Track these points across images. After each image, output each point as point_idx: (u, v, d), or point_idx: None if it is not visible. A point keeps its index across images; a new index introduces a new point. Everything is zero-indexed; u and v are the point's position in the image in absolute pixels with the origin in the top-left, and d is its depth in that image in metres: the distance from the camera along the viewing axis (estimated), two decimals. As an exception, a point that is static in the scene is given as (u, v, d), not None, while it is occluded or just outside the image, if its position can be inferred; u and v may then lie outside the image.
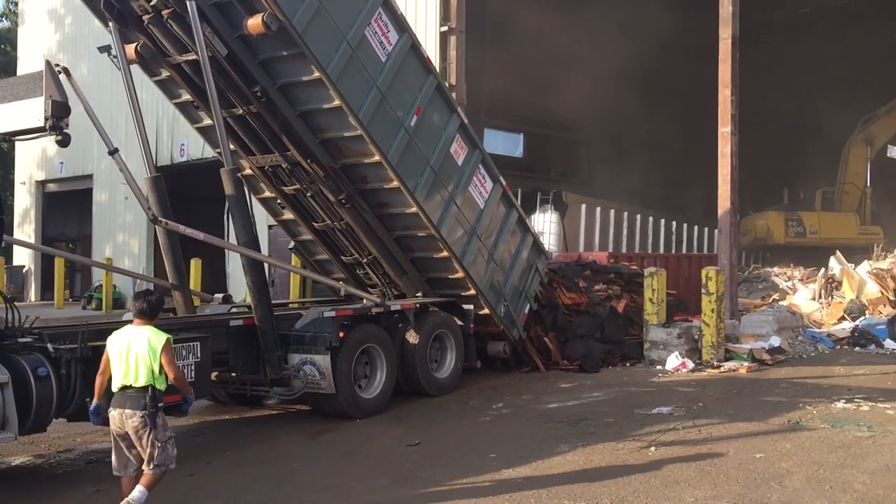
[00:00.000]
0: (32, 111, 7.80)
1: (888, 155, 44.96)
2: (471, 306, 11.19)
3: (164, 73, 9.94)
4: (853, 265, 17.96)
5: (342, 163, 9.98)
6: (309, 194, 10.40)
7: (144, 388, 5.65)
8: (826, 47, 31.00)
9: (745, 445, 7.67)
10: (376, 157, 9.74)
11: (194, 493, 6.65)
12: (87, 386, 6.68)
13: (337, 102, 9.28)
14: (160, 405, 5.72)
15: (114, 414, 5.71)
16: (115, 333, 5.96)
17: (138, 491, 5.67)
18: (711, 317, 12.58)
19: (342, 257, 11.28)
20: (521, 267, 12.09)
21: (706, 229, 30.71)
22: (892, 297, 15.94)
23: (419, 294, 10.97)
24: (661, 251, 26.33)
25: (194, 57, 8.84)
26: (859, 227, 32.12)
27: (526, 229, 12.39)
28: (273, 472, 7.18)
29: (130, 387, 5.68)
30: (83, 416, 6.82)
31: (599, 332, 13.19)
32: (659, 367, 12.40)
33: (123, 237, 26.24)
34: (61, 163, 28.01)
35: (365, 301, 9.95)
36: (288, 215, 11.41)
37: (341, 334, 9.09)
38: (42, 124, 7.77)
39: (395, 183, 9.98)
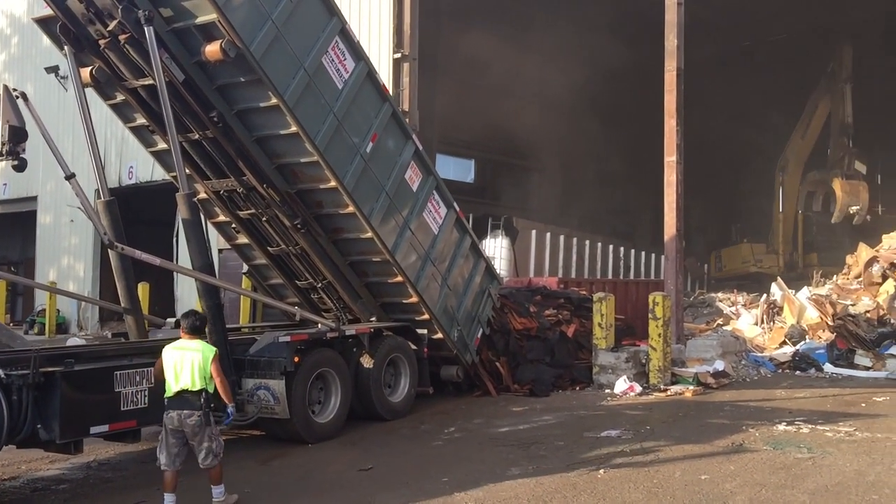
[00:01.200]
0: None
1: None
2: (424, 331, 11.30)
3: (119, 97, 9.94)
4: (794, 291, 18.49)
5: (298, 188, 10.06)
6: (264, 219, 10.45)
7: (199, 392, 6.55)
8: (764, 77, 32.14)
9: (690, 467, 7.86)
10: (332, 183, 9.84)
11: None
12: (39, 412, 6.88)
13: (294, 129, 9.37)
14: (212, 405, 6.64)
15: (172, 415, 6.56)
16: (168, 346, 6.78)
17: (216, 490, 6.70)
18: (658, 341, 12.86)
19: (297, 282, 11.29)
20: (475, 292, 12.25)
21: (653, 255, 31.35)
22: (831, 323, 16.44)
23: (374, 319, 11.02)
24: (610, 276, 26.79)
25: (151, 82, 8.84)
26: (755, 257, 33.39)
27: (479, 255, 12.57)
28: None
29: (187, 391, 6.53)
30: (35, 443, 7.05)
31: (549, 357, 13.43)
32: (608, 390, 12.62)
33: (69, 260, 25.71)
34: (4, 184, 27.36)
35: (320, 326, 9.95)
36: (242, 240, 11.41)
37: (296, 359, 9.09)
38: None
39: (351, 208, 10.08)
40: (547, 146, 29.19)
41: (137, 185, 23.23)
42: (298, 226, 10.17)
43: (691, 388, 12.67)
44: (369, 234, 10.34)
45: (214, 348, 6.84)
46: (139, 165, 22.77)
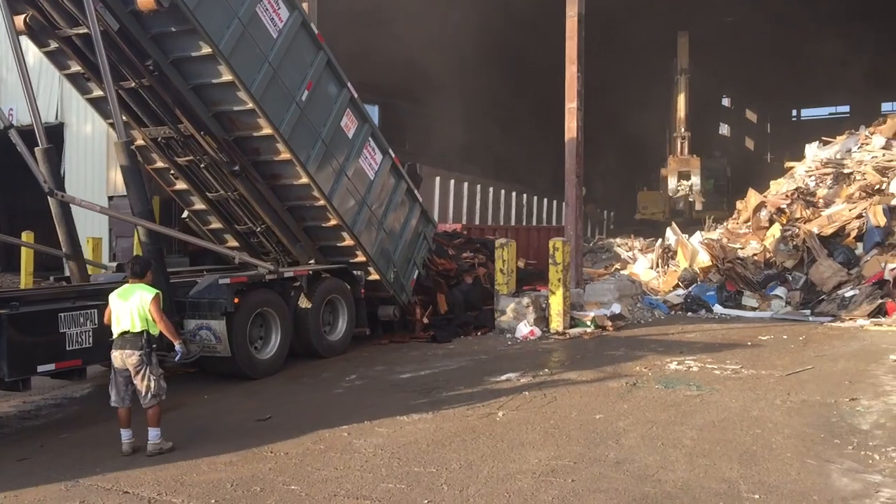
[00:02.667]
0: None
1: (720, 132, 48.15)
2: (362, 272, 11.75)
3: (53, 45, 9.90)
4: (687, 235, 19.10)
5: (235, 135, 10.17)
6: (202, 165, 10.59)
7: (140, 333, 6.79)
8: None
9: (586, 407, 8.06)
10: (268, 131, 9.99)
11: (24, 479, 6.27)
12: None
13: (229, 77, 9.49)
14: (154, 346, 6.88)
15: (115, 354, 6.85)
16: (114, 291, 7.02)
17: (152, 433, 6.81)
18: (558, 286, 13.09)
19: (236, 226, 11.56)
20: (410, 235, 12.65)
21: (554, 202, 31.85)
22: (721, 266, 17.10)
23: (312, 261, 11.38)
24: (512, 223, 27.08)
25: (85, 31, 8.88)
26: (643, 204, 34.69)
27: (414, 199, 12.86)
28: (110, 453, 6.84)
29: (128, 332, 6.81)
30: None
31: (463, 302, 13.65)
32: (509, 335, 12.80)
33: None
34: None
35: (259, 269, 10.25)
36: (181, 185, 11.48)
37: (236, 300, 9.49)
38: None
39: (287, 155, 10.26)
40: (450, 94, 29.01)
41: (19, 128, 21.83)
42: (236, 172, 10.36)
43: (589, 331, 13.00)
44: (306, 181, 10.52)
45: (155, 290, 6.97)
46: (20, 109, 21.39)
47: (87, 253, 16.41)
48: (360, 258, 11.59)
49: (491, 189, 27.31)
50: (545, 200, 31.89)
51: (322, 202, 10.81)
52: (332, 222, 11.11)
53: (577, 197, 14.92)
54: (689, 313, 15.54)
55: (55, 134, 19.22)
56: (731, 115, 54.87)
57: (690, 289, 16.59)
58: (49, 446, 7.21)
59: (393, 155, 12.10)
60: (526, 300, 13.22)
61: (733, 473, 6.05)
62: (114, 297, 6.98)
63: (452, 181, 25.24)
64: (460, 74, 27.53)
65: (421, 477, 6.12)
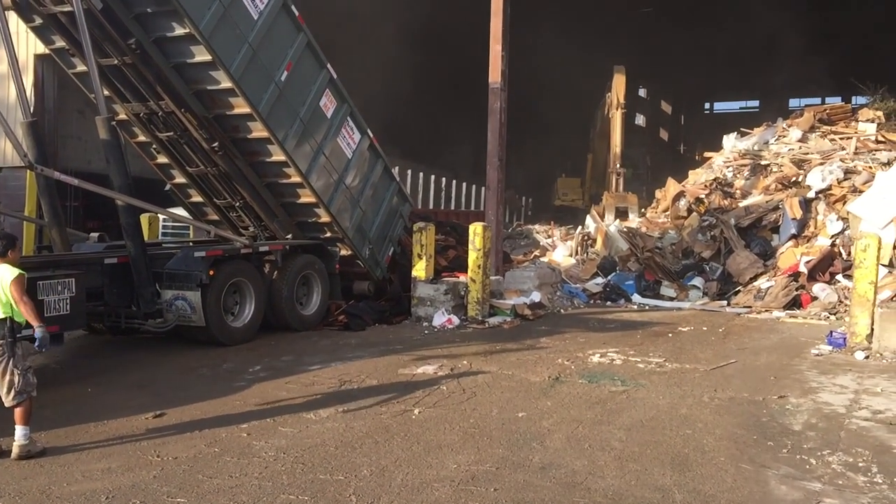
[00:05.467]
0: None
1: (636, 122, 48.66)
2: (337, 248, 12.09)
3: (39, 21, 10.02)
4: (607, 223, 18.93)
5: (215, 113, 10.41)
6: (183, 141, 10.82)
7: (3, 320, 5.98)
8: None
9: (508, 404, 7.55)
10: (247, 110, 10.22)
11: None
12: None
13: (209, 57, 9.72)
14: (18, 335, 6.05)
15: None
16: None
17: (19, 431, 5.96)
18: (478, 273, 12.58)
19: (216, 200, 11.79)
20: (387, 213, 12.97)
21: (474, 186, 31.43)
22: (640, 255, 16.95)
23: (289, 236, 11.66)
24: (431, 206, 26.52)
25: (70, 8, 9.06)
26: (562, 191, 34.56)
27: (391, 178, 13.23)
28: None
29: None
30: None
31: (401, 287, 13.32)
32: (426, 323, 12.25)
33: None
34: None
35: (234, 242, 10.64)
36: (162, 159, 11.68)
37: (211, 272, 9.86)
38: None
39: (266, 133, 10.51)
40: (370, 73, 28.12)
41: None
42: (216, 148, 10.60)
43: (509, 320, 12.55)
44: (283, 158, 10.77)
45: (18, 271, 6.09)
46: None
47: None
48: (336, 234, 11.88)
49: (409, 171, 26.65)
50: (464, 185, 31.46)
51: (299, 179, 11.04)
52: (309, 199, 11.36)
53: (498, 180, 14.41)
54: (609, 302, 15.31)
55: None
56: (647, 106, 55.61)
57: (610, 277, 16.38)
58: None
59: (371, 135, 12.28)
60: (444, 287, 12.66)
61: (666, 480, 5.62)
62: None
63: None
64: (380, 54, 26.70)
65: (327, 486, 5.46)
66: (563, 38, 32.90)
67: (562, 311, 14.14)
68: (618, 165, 26.38)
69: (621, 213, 27.10)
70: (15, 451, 5.96)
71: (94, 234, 11.49)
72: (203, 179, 11.56)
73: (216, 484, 5.49)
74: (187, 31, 9.50)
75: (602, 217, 25.16)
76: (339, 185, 11.70)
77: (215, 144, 10.59)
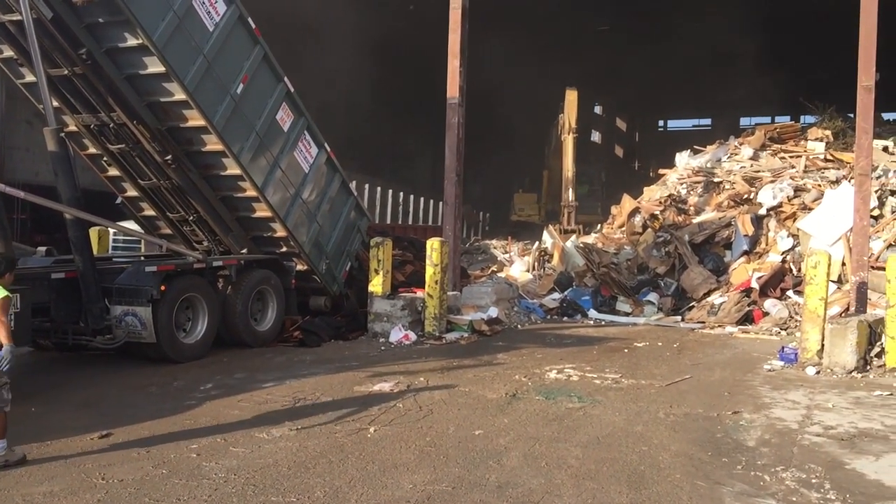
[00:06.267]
0: None
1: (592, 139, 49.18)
2: (293, 263, 11.91)
3: None
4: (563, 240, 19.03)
5: (168, 125, 10.21)
6: (135, 154, 10.62)
7: None
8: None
9: (464, 422, 7.48)
10: (202, 122, 10.05)
11: None
12: None
13: (163, 69, 9.55)
14: None
15: None
16: None
17: None
18: (435, 288, 12.52)
19: (169, 214, 11.58)
20: (344, 227, 12.84)
21: (432, 201, 31.40)
22: (596, 270, 17.05)
23: (244, 251, 11.47)
24: (388, 221, 26.43)
25: (18, 17, 8.85)
26: (518, 206, 34.70)
27: (349, 193, 13.09)
28: None
29: None
30: None
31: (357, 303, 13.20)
32: (382, 339, 12.14)
33: None
34: None
35: (187, 257, 10.49)
36: (114, 172, 11.43)
37: (163, 287, 9.66)
38: None
39: (221, 146, 10.31)
40: (329, 87, 28.02)
41: None
42: (169, 161, 10.42)
43: (466, 335, 12.51)
44: (239, 172, 10.59)
45: (6, 293, 6.21)
46: None
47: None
48: (293, 249, 11.71)
49: (367, 185, 26.53)
50: (422, 199, 31.42)
51: (255, 193, 10.88)
52: (265, 213, 11.20)
53: (456, 196, 14.39)
54: (565, 318, 15.35)
55: None
56: (602, 123, 56.31)
57: (566, 293, 16.44)
58: None
59: (328, 149, 12.15)
60: (401, 302, 12.57)
61: (623, 499, 5.59)
62: None
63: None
64: (337, 67, 26.62)
65: (279, 508, 5.33)
66: (520, 54, 33.21)
67: (519, 326, 14.14)
68: (570, 198, 26.22)
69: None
70: None
71: (42, 249, 11.28)
72: (156, 192, 11.35)
73: (164, 507, 5.32)
74: (140, 41, 9.33)
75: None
76: (295, 199, 11.55)
77: (168, 157, 10.41)
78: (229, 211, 11.33)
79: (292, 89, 11.38)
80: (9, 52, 10.07)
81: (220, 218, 11.32)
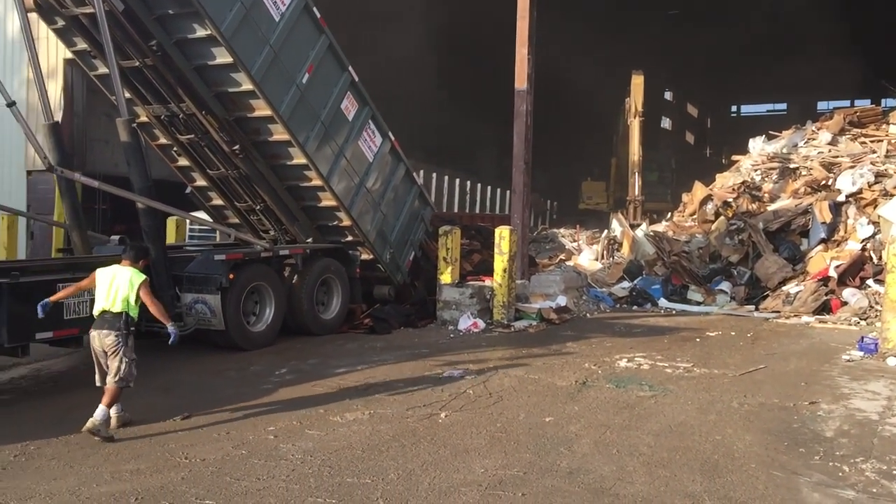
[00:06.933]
0: None
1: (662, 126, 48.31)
2: (357, 252, 11.99)
3: (61, 23, 10.01)
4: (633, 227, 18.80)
5: (236, 115, 10.34)
6: (203, 143, 10.76)
7: (119, 314, 6.65)
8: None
9: (535, 409, 7.50)
10: (268, 112, 10.15)
11: None
12: None
13: (231, 59, 9.66)
14: (132, 329, 6.73)
15: (93, 333, 6.72)
16: (101, 268, 6.89)
17: (99, 410, 6.52)
18: (503, 276, 12.53)
19: (236, 203, 11.75)
20: (408, 217, 12.85)
21: (498, 190, 31.36)
22: (666, 259, 16.81)
23: (309, 240, 11.63)
24: (456, 210, 26.49)
25: (91, 10, 9.04)
26: (586, 195, 34.09)
27: (413, 182, 13.06)
28: (4, 457, 6.02)
29: (108, 311, 6.66)
30: None
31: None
32: (451, 327, 12.22)
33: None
34: None
35: (254, 246, 10.63)
36: (183, 162, 11.63)
37: (231, 276, 9.81)
38: None
39: (287, 136, 10.42)
40: (394, 76, 28.17)
41: None
42: (237, 151, 10.58)
43: (535, 324, 12.49)
44: (304, 161, 10.70)
45: (144, 276, 6.84)
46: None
47: (3, 230, 15.38)
48: (357, 238, 11.77)
49: (434, 175, 26.64)
50: (489, 188, 31.40)
51: (320, 182, 10.95)
52: (330, 202, 11.27)
53: (524, 184, 14.35)
54: (635, 307, 15.18)
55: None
56: (673, 109, 55.26)
57: (636, 282, 16.25)
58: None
59: (392, 138, 12.18)
60: (469, 291, 12.63)
61: (697, 487, 5.54)
62: (101, 273, 6.84)
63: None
64: (403, 57, 26.73)
65: (354, 489, 5.45)
66: (589, 40, 32.81)
67: (588, 315, 14.05)
68: (636, 192, 25.56)
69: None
70: (88, 423, 6.45)
71: (115, 237, 11.60)
72: (224, 182, 11.53)
73: (244, 486, 5.50)
74: (209, 32, 9.45)
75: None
76: (360, 188, 11.62)
77: (236, 147, 10.56)
78: (295, 200, 11.44)
79: (356, 78, 11.41)
80: (83, 45, 10.31)
81: (286, 207, 11.44)
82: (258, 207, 11.55)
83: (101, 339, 6.67)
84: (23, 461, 5.99)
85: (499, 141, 28.15)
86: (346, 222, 11.55)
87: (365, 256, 12.08)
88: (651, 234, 18.37)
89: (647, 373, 9.15)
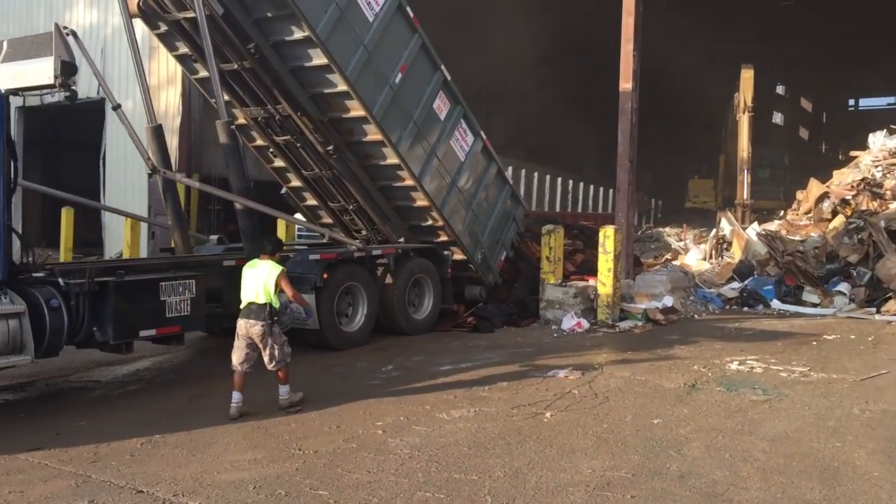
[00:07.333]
0: (44, 70, 8.25)
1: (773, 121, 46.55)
2: (449, 252, 11.97)
3: (164, 28, 10.39)
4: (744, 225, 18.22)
5: (330, 116, 10.49)
6: (298, 144, 10.96)
7: (263, 305, 7.24)
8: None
9: (642, 410, 7.39)
10: (362, 112, 10.25)
11: (34, 472, 5.80)
12: (95, 317, 7.61)
13: (325, 61, 9.81)
14: (275, 318, 7.32)
15: (241, 322, 7.34)
16: (247, 264, 7.56)
17: (282, 388, 7.43)
18: (608, 276, 12.38)
19: (330, 204, 11.93)
20: (500, 216, 12.79)
21: (601, 189, 30.94)
22: (780, 259, 16.21)
23: (401, 240, 11.66)
24: (557, 209, 26.29)
25: (192, 14, 9.34)
26: (692, 193, 32.81)
27: (505, 181, 13.01)
28: (126, 447, 6.36)
29: (253, 303, 7.27)
30: (91, 344, 7.87)
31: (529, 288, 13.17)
32: (554, 326, 12.15)
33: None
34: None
35: (348, 246, 10.77)
36: (279, 163, 11.85)
37: (325, 276, 9.94)
38: (52, 82, 8.19)
39: (379, 136, 10.51)
40: (495, 76, 28.23)
41: (59, 104, 21.70)
42: (331, 152, 10.70)
43: (640, 324, 12.28)
44: (397, 161, 10.78)
45: (281, 267, 7.44)
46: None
47: (126, 231, 16.26)
48: (449, 238, 11.78)
49: (536, 174, 26.50)
50: (591, 187, 31.01)
51: (412, 182, 11.01)
52: (422, 202, 11.33)
53: (629, 182, 14.13)
54: (746, 308, 14.70)
55: (97, 110, 18.98)
56: (785, 104, 53.14)
57: (747, 282, 15.73)
58: (65, 435, 6.74)
59: (484, 137, 12.13)
60: (573, 290, 12.52)
61: (815, 495, 5.34)
62: (246, 269, 7.49)
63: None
64: (504, 57, 26.72)
65: (462, 485, 5.51)
66: (695, 34, 31.96)
67: (695, 316, 13.71)
68: (745, 195, 24.47)
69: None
70: (280, 402, 7.38)
71: (213, 237, 11.89)
72: (318, 182, 11.66)
73: (355, 478, 5.64)
74: (304, 34, 9.58)
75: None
76: (451, 187, 11.59)
77: (330, 147, 10.65)
78: (387, 200, 11.51)
79: (449, 77, 11.37)
80: (184, 49, 10.57)
81: (378, 207, 11.50)
82: (351, 207, 11.67)
83: (247, 328, 7.26)
84: (149, 448, 6.32)
85: (601, 138, 27.77)
86: (438, 222, 11.59)
87: (457, 256, 12.06)
88: (763, 232, 17.74)
89: (760, 376, 8.86)
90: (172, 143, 19.20)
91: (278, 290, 7.30)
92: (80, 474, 5.73)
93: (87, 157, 20.85)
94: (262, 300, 7.23)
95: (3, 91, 7.21)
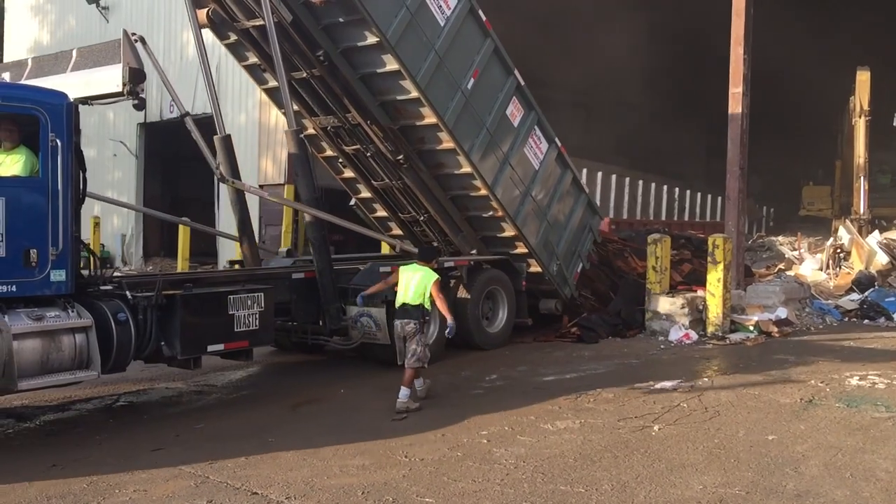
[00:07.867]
0: (112, 78, 8.31)
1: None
2: (523, 264, 11.56)
3: (233, 37, 10.31)
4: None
5: (400, 124, 10.22)
6: (368, 154, 10.78)
7: (417, 306, 7.85)
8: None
9: (755, 426, 7.14)
10: (433, 120, 9.98)
11: (156, 471, 6.09)
12: (162, 331, 7.48)
13: (396, 66, 9.55)
14: (427, 318, 8.08)
15: (397, 322, 7.99)
16: (404, 267, 8.14)
17: (402, 391, 7.69)
18: (717, 286, 12.03)
19: (400, 215, 11.77)
20: (575, 227, 12.30)
21: (709, 196, 30.10)
22: (903, 269, 15.37)
23: (473, 251, 11.31)
24: (663, 217, 25.76)
25: (261, 23, 9.27)
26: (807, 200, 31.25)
27: (580, 190, 12.57)
28: (242, 448, 6.59)
29: (408, 304, 7.85)
30: (159, 359, 7.81)
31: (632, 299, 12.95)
32: (661, 338, 11.90)
33: (111, 194, 25.47)
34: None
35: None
36: (349, 173, 11.72)
37: (396, 289, 9.53)
38: (120, 90, 8.21)
39: (451, 144, 10.21)
40: (598, 83, 27.87)
41: (177, 119, 22.78)
42: (401, 161, 10.46)
43: (752, 336, 11.87)
44: (469, 170, 10.45)
45: (436, 275, 7.97)
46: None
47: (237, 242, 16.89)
48: (522, 249, 11.39)
49: (640, 182, 26.04)
50: (698, 195, 30.21)
51: (485, 192, 10.69)
52: (495, 213, 10.98)
53: (739, 190, 13.70)
54: (866, 321, 13.98)
55: (208, 124, 19.88)
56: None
57: (867, 294, 14.96)
58: (184, 437, 7.06)
59: (559, 144, 11.72)
60: (681, 300, 12.22)
61: (947, 520, 5.04)
62: (404, 271, 8.04)
63: (600, 173, 24.21)
64: (608, 64, 26.36)
65: (568, 498, 5.46)
66: (808, 35, 30.71)
67: (811, 328, 13.14)
68: (861, 206, 23.13)
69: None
70: (397, 405, 7.61)
71: (283, 250, 11.80)
72: (388, 193, 11.49)
73: (461, 487, 5.68)
74: (375, 40, 9.35)
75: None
76: (525, 197, 11.16)
77: (400, 157, 10.41)
78: (459, 210, 11.19)
79: (522, 82, 10.98)
80: (253, 59, 10.47)
81: (449, 218, 11.20)
82: (422, 218, 11.42)
83: (402, 327, 7.88)
84: (262, 452, 6.54)
85: (706, 144, 27.02)
86: (512, 233, 11.19)
87: (532, 269, 11.61)
88: (884, 241, 16.86)
89: (882, 392, 8.41)
90: (281, 156, 19.92)
91: (430, 296, 7.85)
92: (199, 475, 5.98)
93: (204, 170, 21.76)
94: (415, 301, 7.84)
95: (72, 100, 7.06)
